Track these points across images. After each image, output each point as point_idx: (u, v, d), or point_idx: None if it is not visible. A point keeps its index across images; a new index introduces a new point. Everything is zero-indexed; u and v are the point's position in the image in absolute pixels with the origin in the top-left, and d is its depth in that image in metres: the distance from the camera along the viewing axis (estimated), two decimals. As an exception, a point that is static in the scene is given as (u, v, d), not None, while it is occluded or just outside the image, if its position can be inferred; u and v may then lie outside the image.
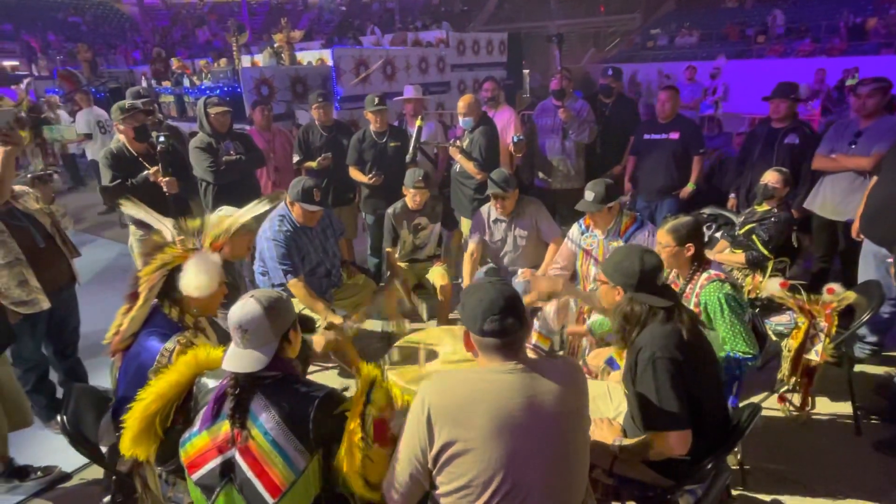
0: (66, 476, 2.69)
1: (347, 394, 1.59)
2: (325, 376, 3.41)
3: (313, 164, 4.26)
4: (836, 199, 3.51)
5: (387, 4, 22.44)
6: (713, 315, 2.21)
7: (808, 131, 3.80)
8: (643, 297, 1.85)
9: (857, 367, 3.14)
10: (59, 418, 1.93)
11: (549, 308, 2.35)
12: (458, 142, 4.06)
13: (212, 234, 2.10)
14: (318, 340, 2.43)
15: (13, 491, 2.60)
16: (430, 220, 3.72)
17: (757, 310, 2.78)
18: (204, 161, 3.79)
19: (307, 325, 2.74)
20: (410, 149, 4.16)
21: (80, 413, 2.00)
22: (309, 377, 2.19)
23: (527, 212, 3.51)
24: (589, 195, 2.98)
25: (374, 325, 3.79)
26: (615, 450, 1.85)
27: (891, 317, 3.13)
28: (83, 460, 2.51)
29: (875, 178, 3.14)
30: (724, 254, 3.38)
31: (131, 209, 2.25)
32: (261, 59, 6.10)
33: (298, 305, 3.00)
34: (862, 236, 3.18)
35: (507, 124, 4.56)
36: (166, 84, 6.41)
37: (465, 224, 4.21)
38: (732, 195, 4.17)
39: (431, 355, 2.70)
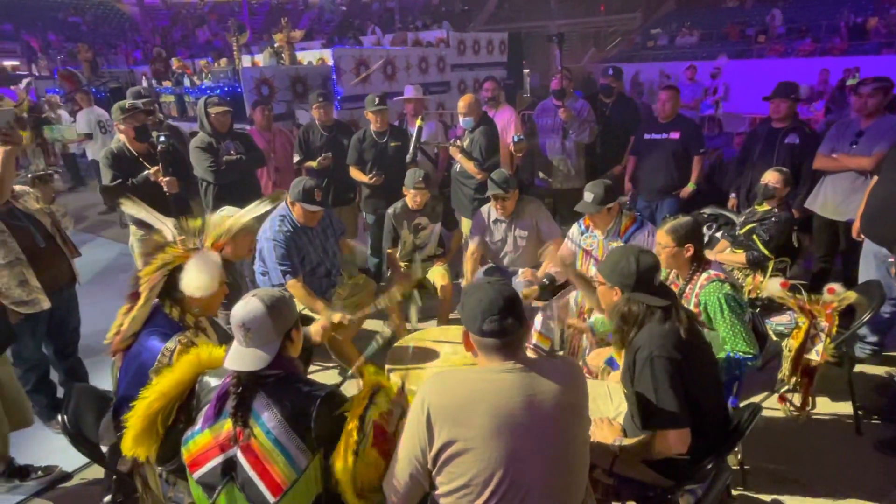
0: (67, 476, 2.69)
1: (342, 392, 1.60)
2: (326, 376, 3.41)
3: (314, 163, 4.26)
4: (837, 198, 3.51)
5: (387, 4, 22.43)
6: (713, 315, 2.22)
7: (809, 131, 3.81)
8: (640, 296, 1.86)
9: (858, 367, 3.14)
10: (59, 418, 1.94)
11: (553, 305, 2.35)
12: (458, 141, 4.07)
13: (213, 234, 2.11)
14: (315, 330, 2.43)
15: (14, 490, 2.60)
16: (431, 219, 3.73)
17: (757, 310, 2.79)
18: (204, 161, 3.79)
19: (306, 322, 2.75)
20: (411, 149, 4.16)
21: (80, 413, 2.01)
22: (309, 377, 2.19)
23: (527, 212, 3.51)
24: (588, 196, 2.98)
25: (373, 325, 3.79)
26: (615, 450, 1.85)
27: (891, 317, 3.13)
28: (84, 460, 2.52)
29: (875, 178, 3.14)
30: (725, 254, 3.38)
31: (132, 209, 2.24)
32: (261, 58, 6.10)
33: (298, 305, 3.01)
34: (862, 236, 3.18)
35: (507, 124, 4.56)
36: (167, 84, 6.41)
37: (466, 224, 4.21)
38: (733, 195, 4.17)
39: (432, 355, 2.70)
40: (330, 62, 5.54)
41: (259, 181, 4.33)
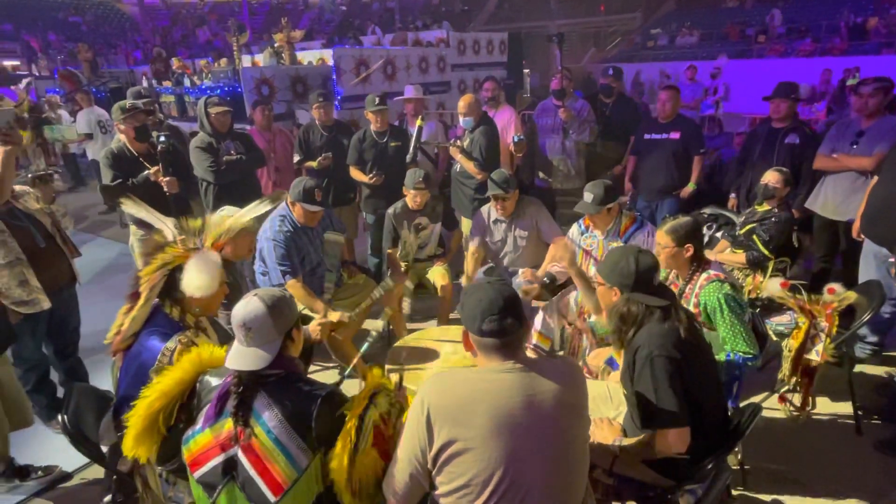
0: (67, 476, 2.70)
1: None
2: (326, 376, 3.41)
3: (314, 163, 4.26)
4: (837, 199, 3.51)
5: (387, 4, 22.43)
6: (713, 315, 2.22)
7: (809, 131, 3.81)
8: (640, 297, 1.86)
9: (858, 367, 3.14)
10: (59, 418, 1.94)
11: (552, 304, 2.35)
12: (458, 141, 4.06)
13: (213, 234, 2.11)
14: (313, 329, 2.43)
15: (14, 490, 2.60)
16: (431, 219, 3.73)
17: (757, 310, 2.79)
18: (204, 161, 3.79)
19: (305, 322, 2.75)
20: (411, 149, 4.16)
21: (80, 413, 2.01)
22: (309, 376, 2.20)
23: (527, 212, 3.51)
24: (588, 196, 2.98)
25: (373, 324, 3.79)
26: (615, 450, 1.85)
27: (891, 317, 3.13)
28: (84, 460, 2.52)
29: (876, 178, 3.14)
30: (725, 254, 3.38)
31: (132, 208, 2.25)
32: (261, 58, 6.10)
33: (298, 305, 3.00)
34: (863, 236, 3.18)
35: (507, 124, 4.56)
36: (167, 84, 6.41)
37: (466, 224, 4.21)
38: (733, 195, 4.17)
39: (432, 355, 2.70)
40: (330, 62, 5.54)
41: (259, 181, 4.32)
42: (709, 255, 2.64)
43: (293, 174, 4.39)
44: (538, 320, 3.09)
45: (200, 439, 1.51)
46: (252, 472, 1.44)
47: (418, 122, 4.19)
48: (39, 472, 2.66)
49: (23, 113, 7.15)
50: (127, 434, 1.60)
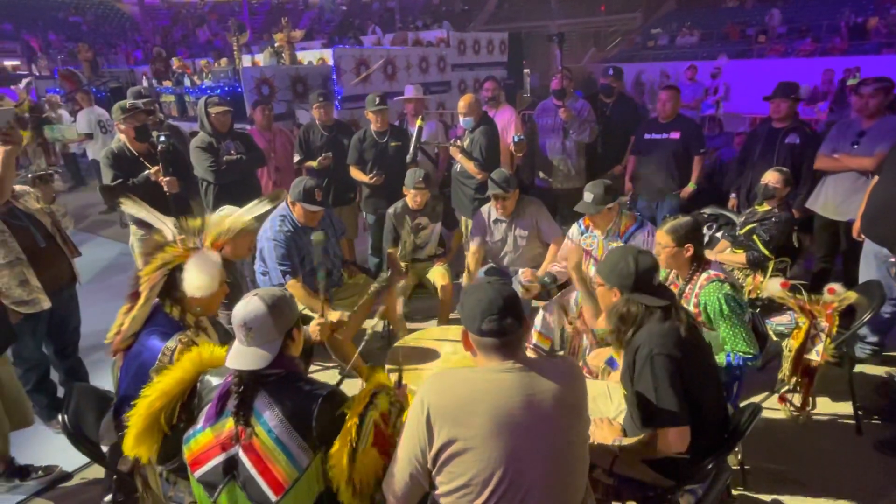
0: (67, 475, 2.70)
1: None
2: (326, 376, 3.41)
3: (314, 163, 4.26)
4: (837, 199, 3.51)
5: (387, 4, 22.43)
6: (713, 315, 2.22)
7: (809, 131, 3.81)
8: (639, 297, 1.86)
9: (858, 368, 3.14)
10: (60, 418, 1.94)
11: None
12: (458, 141, 4.06)
13: (213, 233, 2.11)
14: (313, 329, 2.44)
15: (14, 490, 2.60)
16: (431, 219, 3.73)
17: (757, 310, 2.79)
18: (205, 161, 3.79)
19: (305, 322, 2.76)
20: (411, 148, 4.16)
21: (80, 412, 2.01)
22: (310, 376, 2.20)
23: (527, 212, 3.51)
24: (588, 196, 2.98)
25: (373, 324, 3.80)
26: (615, 450, 1.85)
27: (892, 317, 3.13)
28: (84, 460, 2.51)
29: (876, 178, 3.14)
30: (725, 254, 3.38)
31: (132, 208, 2.25)
32: (261, 58, 6.09)
33: (298, 305, 3.01)
34: (863, 236, 3.18)
35: (507, 124, 4.56)
36: (167, 84, 6.41)
37: (466, 224, 4.21)
38: (733, 195, 4.17)
39: (432, 355, 2.70)
40: (330, 62, 5.53)
41: (259, 181, 4.32)
42: (709, 255, 2.64)
43: (293, 174, 4.39)
44: (538, 320, 3.10)
45: (201, 439, 1.51)
46: (253, 472, 1.45)
47: (418, 121, 4.19)
48: (40, 472, 2.66)
49: (23, 113, 7.16)
50: (127, 434, 1.60)
